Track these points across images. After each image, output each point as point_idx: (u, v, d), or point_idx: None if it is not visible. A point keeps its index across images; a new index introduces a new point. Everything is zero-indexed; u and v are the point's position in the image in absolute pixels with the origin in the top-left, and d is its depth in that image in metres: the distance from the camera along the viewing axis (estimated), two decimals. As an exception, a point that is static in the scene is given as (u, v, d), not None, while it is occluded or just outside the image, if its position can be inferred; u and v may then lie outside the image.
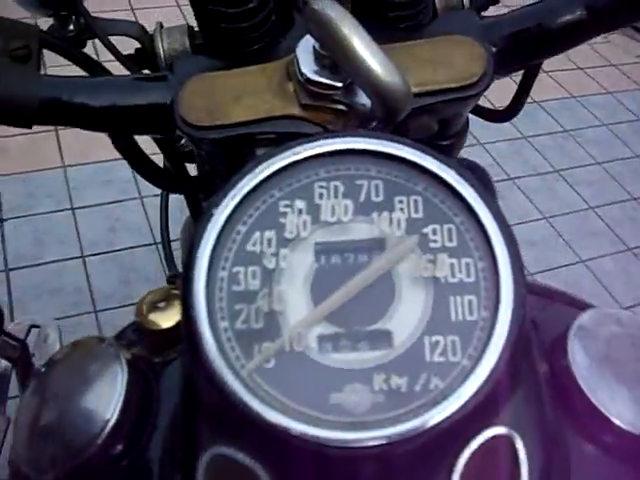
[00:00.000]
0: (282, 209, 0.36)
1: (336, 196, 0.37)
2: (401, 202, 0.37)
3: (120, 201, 2.07)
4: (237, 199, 0.36)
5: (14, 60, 0.46)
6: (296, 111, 0.45)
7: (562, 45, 0.50)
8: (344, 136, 0.38)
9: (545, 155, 2.49)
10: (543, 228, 2.20)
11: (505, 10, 0.52)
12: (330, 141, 0.37)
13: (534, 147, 2.51)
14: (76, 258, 1.90)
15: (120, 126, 0.49)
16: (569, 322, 0.43)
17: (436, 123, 0.49)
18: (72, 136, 2.22)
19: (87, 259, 1.90)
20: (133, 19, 0.59)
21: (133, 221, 2.02)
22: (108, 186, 2.11)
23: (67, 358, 0.45)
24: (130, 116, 0.48)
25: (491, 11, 0.58)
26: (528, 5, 0.50)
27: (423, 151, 0.37)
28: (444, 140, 0.54)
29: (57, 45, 0.51)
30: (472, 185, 0.37)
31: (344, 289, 0.34)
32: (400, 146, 0.37)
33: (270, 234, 0.36)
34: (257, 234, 0.36)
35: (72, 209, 2.04)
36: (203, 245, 0.35)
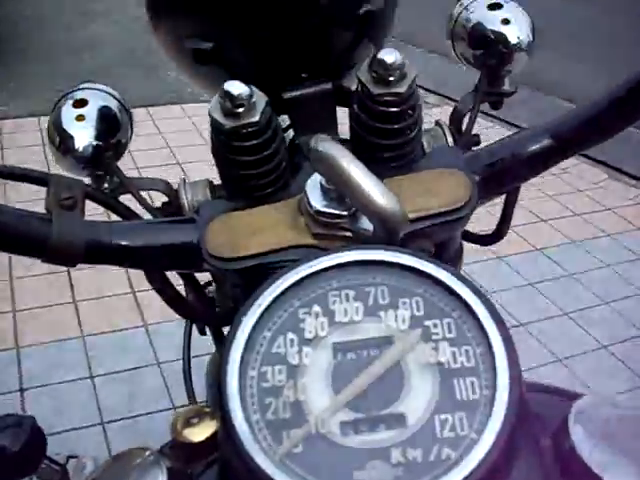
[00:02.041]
0: (301, 315, 0.42)
1: (347, 300, 0.42)
2: (404, 303, 0.42)
3: (138, 368, 2.11)
4: (262, 307, 0.41)
5: (63, 209, 0.53)
6: (308, 240, 0.51)
7: (534, 170, 0.57)
8: (351, 250, 0.44)
9: (552, 299, 2.54)
10: (559, 370, 2.21)
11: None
12: (339, 254, 0.44)
13: (540, 292, 2.57)
14: (96, 425, 1.91)
15: (154, 263, 0.56)
16: (567, 410, 0.46)
17: (432, 246, 0.55)
18: (90, 306, 2.31)
19: (107, 426, 1.92)
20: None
21: (151, 387, 2.05)
22: (126, 353, 2.16)
23: (108, 469, 0.48)
24: (163, 254, 0.55)
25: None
26: (502, 138, 0.58)
27: (421, 258, 0.43)
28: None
29: (98, 196, 0.58)
30: (465, 283, 0.42)
31: (360, 379, 0.39)
32: (400, 255, 0.43)
33: (292, 336, 0.41)
34: (281, 338, 0.41)
35: (91, 377, 2.08)
36: (234, 348, 0.40)
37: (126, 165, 0.63)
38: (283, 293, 0.42)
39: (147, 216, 0.62)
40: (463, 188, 0.53)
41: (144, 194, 0.64)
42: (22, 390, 2.01)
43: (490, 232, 0.69)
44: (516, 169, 0.56)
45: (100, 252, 0.53)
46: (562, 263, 2.76)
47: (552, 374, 2.18)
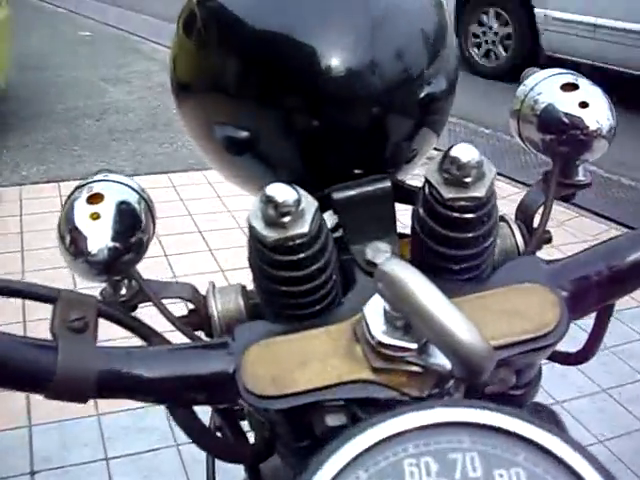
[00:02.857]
0: None
1: (429, 474, 0.33)
2: (501, 476, 0.33)
3: (155, 449, 2.00)
4: None
5: (71, 332, 0.44)
6: (367, 375, 0.42)
7: (636, 283, 0.48)
8: (432, 407, 0.35)
9: (589, 375, 2.41)
10: (600, 453, 2.05)
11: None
12: (418, 414, 0.34)
13: (577, 367, 2.45)
14: (110, 513, 1.81)
15: (181, 397, 0.47)
16: None
17: (513, 375, 0.46)
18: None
19: (121, 514, 1.81)
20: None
21: (169, 471, 1.94)
22: (143, 434, 2.05)
23: None
24: (192, 386, 0.46)
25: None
26: (593, 246, 0.49)
27: (519, 417, 0.34)
28: (518, 389, 0.50)
29: (114, 315, 0.50)
30: (578, 450, 0.33)
31: None
32: (494, 414, 0.34)
33: None
34: None
35: (106, 459, 1.98)
36: None
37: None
38: (347, 463, 0.33)
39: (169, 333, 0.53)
40: (550, 308, 0.45)
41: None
42: (33, 473, 1.91)
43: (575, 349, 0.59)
44: (612, 283, 0.47)
45: (115, 385, 0.44)
46: (598, 336, 2.63)
47: (593, 457, 2.05)
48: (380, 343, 0.41)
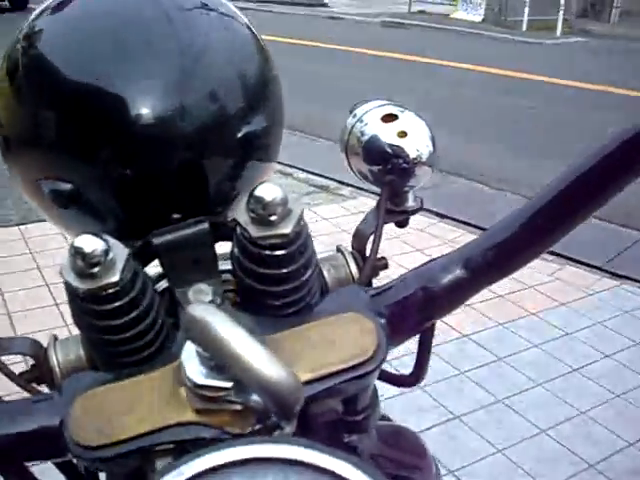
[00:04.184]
0: None
1: None
2: None
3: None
4: None
5: None
6: (190, 417, 0.43)
7: (450, 304, 0.51)
8: (229, 446, 0.35)
9: (485, 386, 2.48)
10: (500, 462, 2.13)
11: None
12: (212, 455, 0.34)
13: (472, 381, 2.52)
14: None
15: (9, 456, 0.46)
16: None
17: (340, 404, 0.48)
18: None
19: None
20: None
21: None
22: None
23: None
24: (19, 444, 0.45)
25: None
26: (411, 270, 0.52)
27: (330, 454, 0.35)
28: (356, 415, 0.52)
29: None
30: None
31: None
32: (299, 449, 0.35)
33: None
34: None
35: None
36: None
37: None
38: None
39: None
40: (368, 335, 0.46)
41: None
42: None
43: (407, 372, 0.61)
44: (428, 306, 0.50)
45: None
46: (490, 347, 2.72)
47: (493, 467, 2.10)
48: (197, 385, 0.42)
